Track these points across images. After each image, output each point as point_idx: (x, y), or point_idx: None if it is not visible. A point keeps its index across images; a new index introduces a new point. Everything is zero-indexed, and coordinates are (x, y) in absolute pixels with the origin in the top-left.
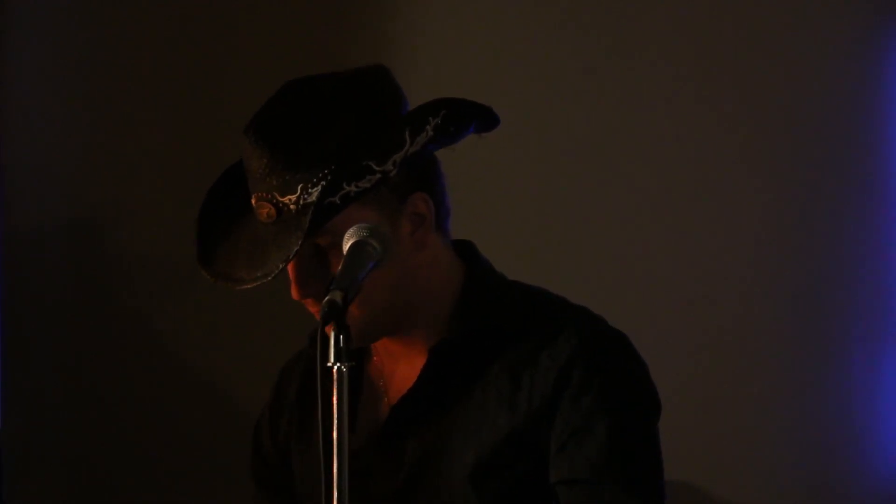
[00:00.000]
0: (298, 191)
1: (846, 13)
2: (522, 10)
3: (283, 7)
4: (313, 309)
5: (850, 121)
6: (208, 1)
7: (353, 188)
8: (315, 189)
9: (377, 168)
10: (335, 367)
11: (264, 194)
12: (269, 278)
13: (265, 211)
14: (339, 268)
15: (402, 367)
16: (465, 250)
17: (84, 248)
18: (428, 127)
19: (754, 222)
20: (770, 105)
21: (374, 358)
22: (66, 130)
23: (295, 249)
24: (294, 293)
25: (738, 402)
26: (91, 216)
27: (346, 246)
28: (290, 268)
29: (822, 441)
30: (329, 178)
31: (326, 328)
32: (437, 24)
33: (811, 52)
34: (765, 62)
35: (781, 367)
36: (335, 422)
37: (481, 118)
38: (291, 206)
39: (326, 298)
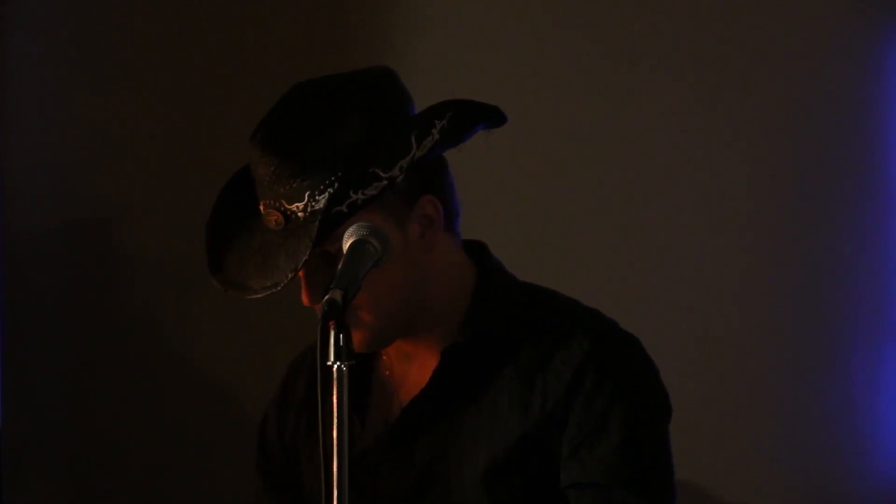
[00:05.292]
0: (306, 198)
1: (846, 13)
2: (523, 11)
3: (284, 6)
4: None
5: (849, 121)
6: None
7: (359, 196)
8: (322, 196)
9: (384, 175)
10: (335, 366)
11: (272, 202)
12: (279, 288)
13: (273, 218)
14: (339, 266)
15: (413, 368)
16: (477, 251)
17: (84, 248)
18: (434, 130)
19: (755, 223)
20: (770, 106)
21: (384, 358)
22: (66, 130)
23: (303, 259)
24: (304, 300)
25: (738, 401)
26: (91, 216)
27: (346, 245)
28: (300, 275)
29: (822, 441)
30: (336, 185)
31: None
32: (437, 24)
33: (811, 51)
34: (764, 62)
35: (781, 368)
36: (335, 421)
37: (488, 118)
38: (299, 214)
39: (326, 297)
